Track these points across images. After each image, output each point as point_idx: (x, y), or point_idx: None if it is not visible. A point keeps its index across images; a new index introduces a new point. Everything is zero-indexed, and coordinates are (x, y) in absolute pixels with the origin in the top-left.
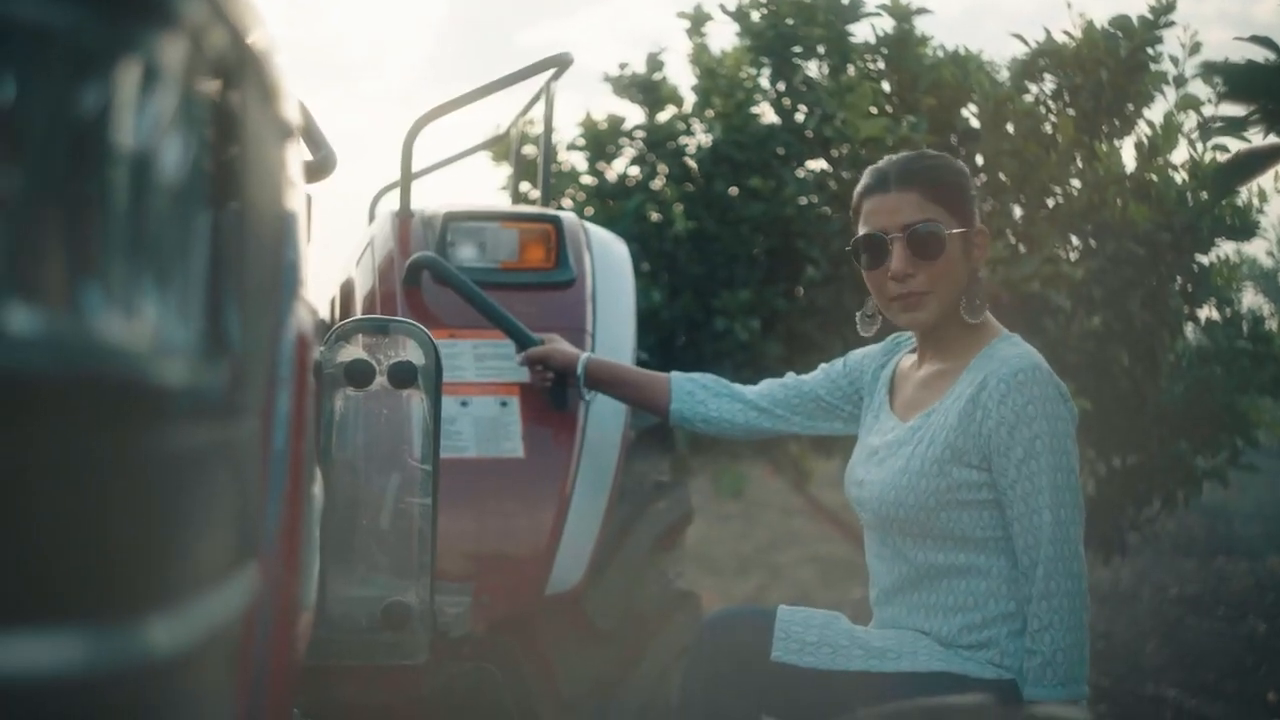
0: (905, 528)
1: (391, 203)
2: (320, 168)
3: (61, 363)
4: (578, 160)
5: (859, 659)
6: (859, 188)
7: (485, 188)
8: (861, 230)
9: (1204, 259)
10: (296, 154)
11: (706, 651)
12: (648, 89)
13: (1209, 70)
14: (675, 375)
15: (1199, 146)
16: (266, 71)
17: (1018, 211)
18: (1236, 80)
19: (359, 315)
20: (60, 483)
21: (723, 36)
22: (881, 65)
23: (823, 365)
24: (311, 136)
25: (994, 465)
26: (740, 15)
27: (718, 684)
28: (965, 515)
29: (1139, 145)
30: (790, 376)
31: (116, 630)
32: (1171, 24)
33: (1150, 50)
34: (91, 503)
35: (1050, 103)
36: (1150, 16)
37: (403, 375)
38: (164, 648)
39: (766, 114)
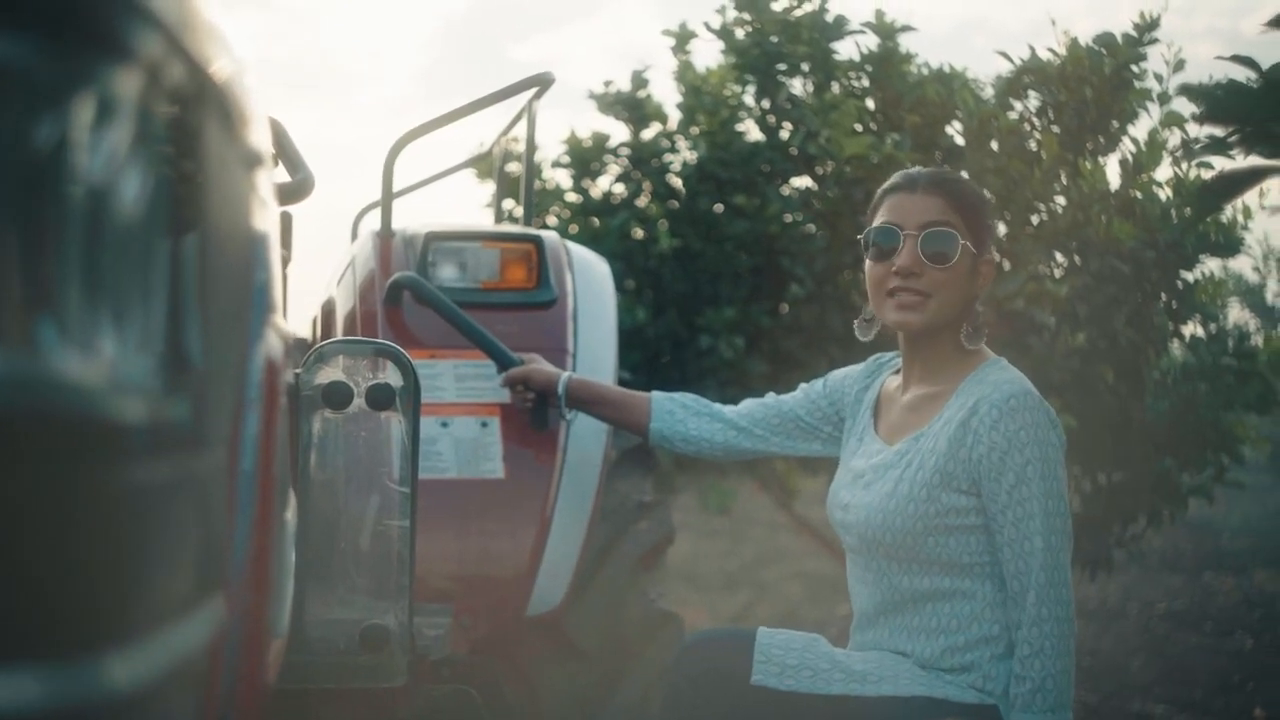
0: (891, 552)
1: (374, 221)
2: (298, 190)
3: (18, 400)
4: (562, 178)
5: (839, 682)
6: (884, 187)
7: (469, 205)
8: (877, 222)
9: (1189, 276)
10: (267, 178)
11: (686, 673)
12: (632, 106)
13: (1189, 92)
14: (656, 395)
15: (1183, 164)
16: (230, 99)
17: (1002, 229)
18: (1215, 102)
19: (340, 335)
20: (19, 520)
21: (707, 54)
22: (866, 83)
23: (802, 385)
24: (289, 158)
25: (984, 491)
26: (725, 33)
27: (697, 706)
28: (952, 540)
29: (1123, 162)
30: (770, 396)
31: (74, 667)
32: (1155, 41)
33: (1134, 67)
34: (49, 539)
35: (1034, 120)
36: (1134, 33)
37: (381, 397)
38: (124, 683)
39: (751, 131)
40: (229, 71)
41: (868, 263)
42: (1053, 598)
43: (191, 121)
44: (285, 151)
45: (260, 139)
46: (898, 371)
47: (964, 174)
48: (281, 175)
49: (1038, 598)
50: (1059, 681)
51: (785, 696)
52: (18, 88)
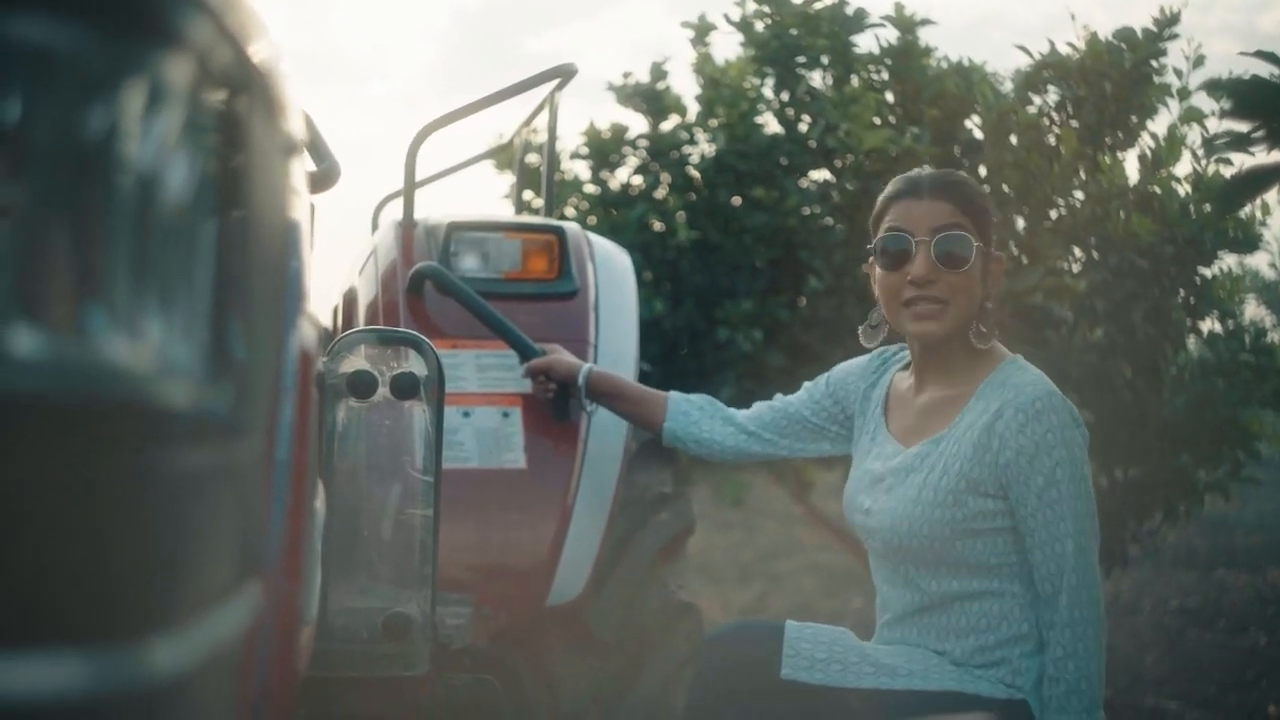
0: (917, 557)
1: (395, 211)
2: (324, 178)
3: (66, 385)
4: (581, 169)
5: (869, 676)
6: (886, 194)
7: (489, 196)
8: (885, 230)
9: (1207, 271)
10: (301, 166)
11: (713, 666)
12: (651, 98)
13: (1214, 87)
14: (673, 394)
15: (1202, 159)
16: (271, 85)
17: (1020, 223)
18: (1241, 97)
19: (362, 324)
20: (63, 505)
21: (727, 46)
22: (885, 76)
23: (806, 384)
24: (315, 147)
25: (1012, 494)
26: (744, 25)
27: (724, 700)
28: (980, 543)
29: (1142, 157)
30: (778, 398)
31: (119, 651)
32: (1175, 36)
33: (1154, 62)
34: (93, 525)
35: (1054, 114)
36: (1154, 29)
37: (405, 386)
38: (166, 668)
39: (770, 124)
40: (270, 58)
41: (879, 272)
42: (1085, 599)
43: (236, 109)
44: (312, 140)
45: (296, 127)
46: (906, 367)
47: (982, 169)
48: (307, 164)
49: (1070, 600)
50: (1093, 683)
51: (815, 690)
52: (69, 74)
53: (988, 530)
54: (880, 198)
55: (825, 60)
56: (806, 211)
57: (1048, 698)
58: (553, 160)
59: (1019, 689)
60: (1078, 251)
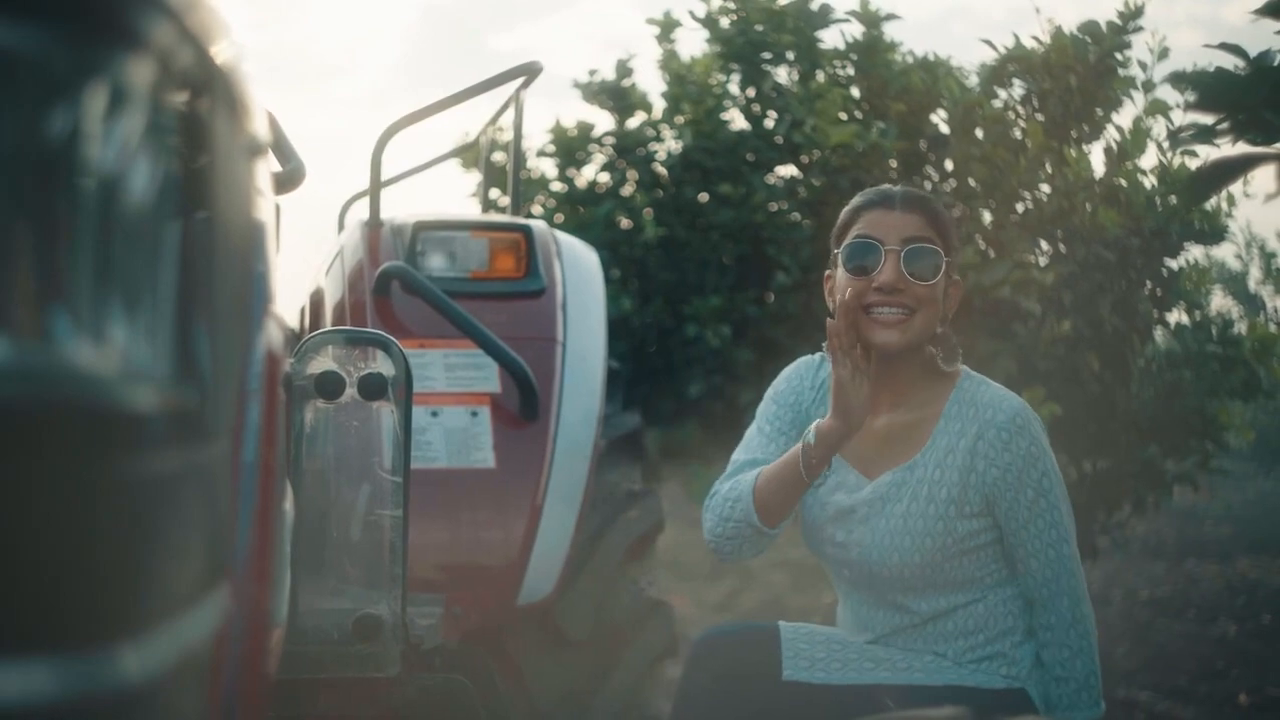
0: (905, 584)
1: (361, 211)
2: (289, 179)
3: (29, 390)
4: (548, 167)
5: (870, 671)
6: (854, 205)
7: (455, 194)
8: (853, 237)
9: (1173, 263)
10: (265, 167)
11: (709, 671)
12: (617, 95)
13: (1179, 79)
14: None
15: (1168, 152)
16: (234, 86)
17: (987, 217)
18: (1206, 89)
19: (329, 325)
20: (27, 511)
21: (692, 43)
22: (851, 71)
23: (761, 429)
24: (280, 148)
25: (1000, 509)
26: (710, 22)
27: (721, 704)
28: (967, 560)
29: (1108, 150)
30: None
31: (86, 657)
32: (1140, 29)
33: (1119, 55)
34: (59, 530)
35: (1019, 108)
36: (1118, 21)
37: (373, 387)
38: (135, 673)
39: (736, 120)
40: (232, 58)
41: (843, 277)
42: (1083, 597)
43: (199, 110)
44: (277, 141)
45: (260, 127)
46: None
47: (949, 163)
48: (272, 165)
49: (1071, 601)
50: (1099, 677)
51: (819, 689)
52: (29, 77)
53: (974, 548)
54: (846, 209)
55: (791, 56)
56: (773, 207)
57: (1057, 696)
58: (519, 158)
59: (1016, 678)
60: (1045, 245)
